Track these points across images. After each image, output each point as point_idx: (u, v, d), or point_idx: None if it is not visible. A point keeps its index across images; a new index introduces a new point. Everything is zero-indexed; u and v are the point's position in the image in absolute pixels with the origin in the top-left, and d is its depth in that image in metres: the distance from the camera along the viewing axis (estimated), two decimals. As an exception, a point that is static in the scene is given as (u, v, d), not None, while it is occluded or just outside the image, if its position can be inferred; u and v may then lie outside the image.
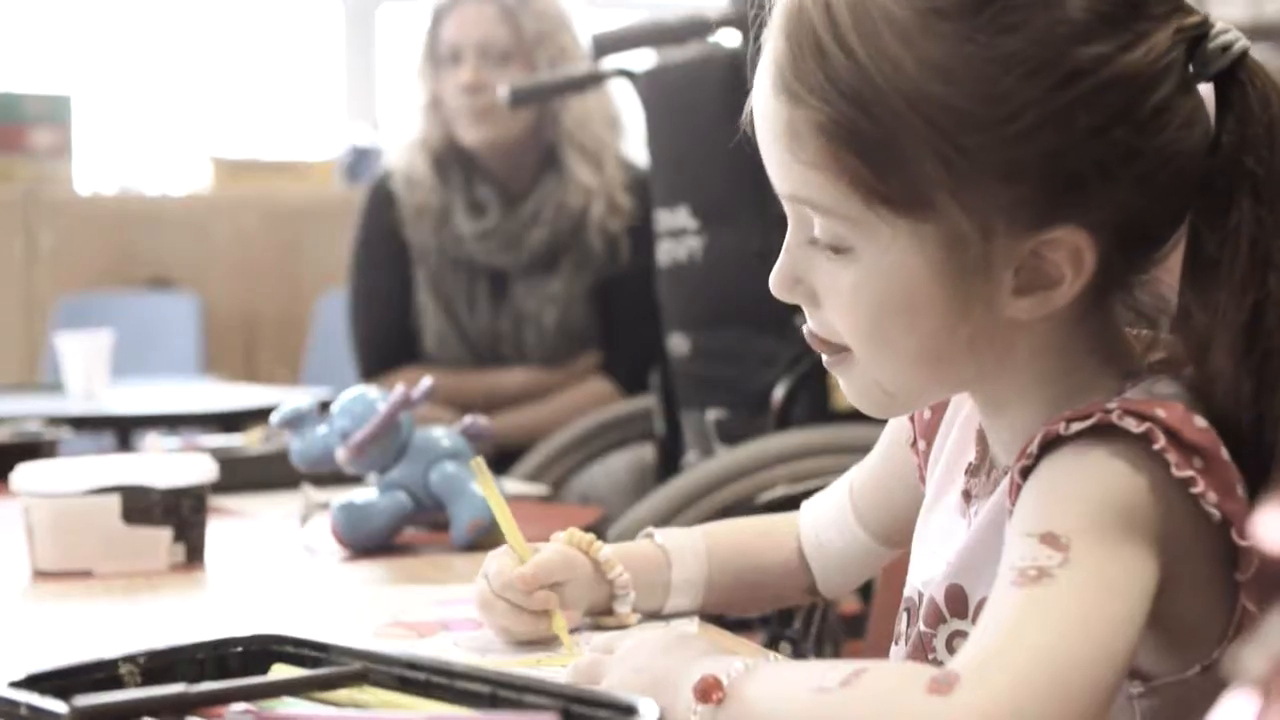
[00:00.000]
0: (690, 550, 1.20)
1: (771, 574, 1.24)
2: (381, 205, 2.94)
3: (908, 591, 1.09)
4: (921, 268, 0.92)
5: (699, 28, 2.27)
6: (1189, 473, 0.86)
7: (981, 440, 1.05)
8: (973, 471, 1.04)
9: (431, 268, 2.88)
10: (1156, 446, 0.86)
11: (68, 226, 4.52)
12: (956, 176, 0.89)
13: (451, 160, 2.90)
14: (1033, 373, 0.97)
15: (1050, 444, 0.89)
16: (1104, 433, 0.87)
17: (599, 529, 1.53)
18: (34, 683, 0.81)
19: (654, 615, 1.19)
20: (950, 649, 1.01)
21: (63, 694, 0.79)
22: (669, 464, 2.46)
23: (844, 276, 0.94)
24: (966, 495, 1.04)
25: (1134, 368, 0.97)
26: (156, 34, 5.16)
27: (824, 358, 1.00)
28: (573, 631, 1.13)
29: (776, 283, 0.98)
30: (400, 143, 2.97)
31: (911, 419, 1.15)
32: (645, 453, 2.70)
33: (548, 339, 2.87)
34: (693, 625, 1.16)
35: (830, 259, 0.94)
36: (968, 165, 0.89)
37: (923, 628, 1.03)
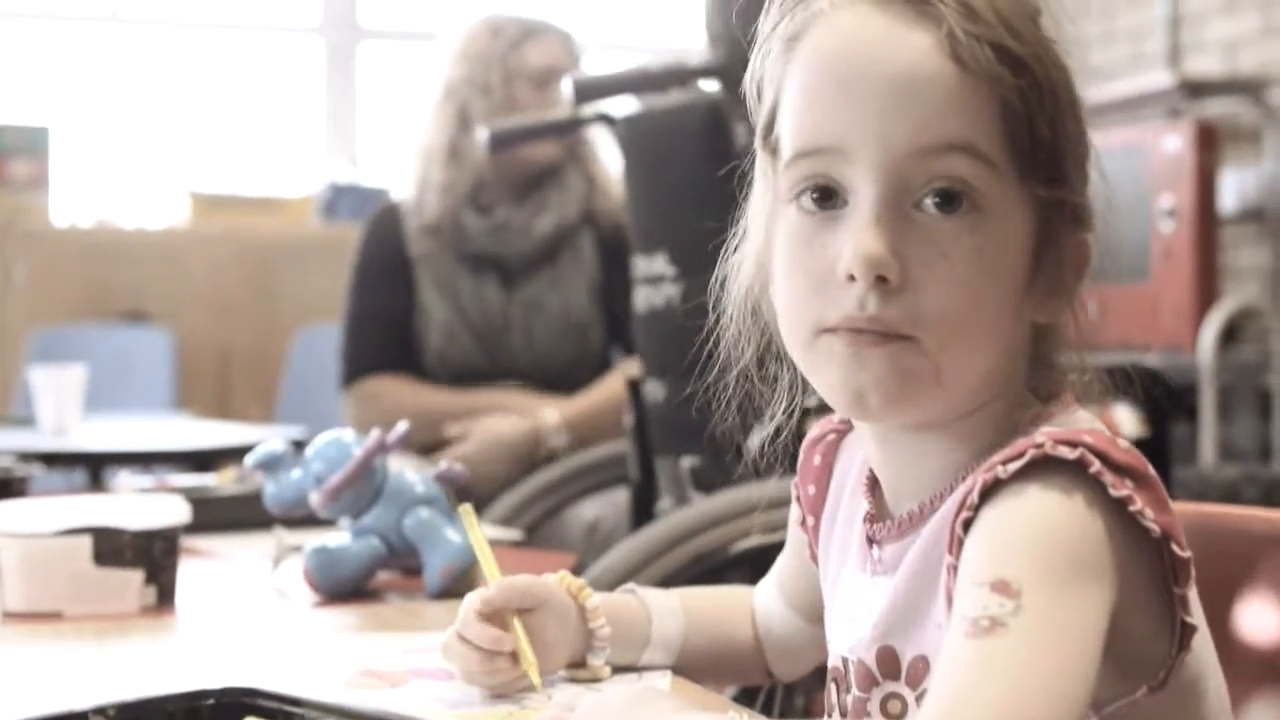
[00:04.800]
0: (669, 609, 1.20)
1: (740, 648, 1.24)
2: (385, 225, 3.03)
3: (832, 662, 1.07)
4: (1027, 240, 0.96)
5: (680, 75, 2.27)
6: (1125, 492, 0.87)
7: (873, 489, 1.05)
8: (872, 519, 1.04)
9: (435, 268, 2.95)
10: (1092, 470, 0.87)
11: (43, 258, 4.51)
12: (1077, 154, 0.97)
13: (485, 169, 2.99)
14: (997, 388, 0.98)
15: (988, 490, 0.89)
16: (1038, 466, 0.88)
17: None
18: (1, 734, 0.80)
19: (628, 668, 1.19)
20: (885, 712, 1.01)
21: (30, 746, 0.78)
22: (642, 510, 2.45)
23: (967, 238, 0.93)
24: (870, 541, 1.04)
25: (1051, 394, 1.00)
26: (136, 67, 5.16)
27: (869, 348, 0.94)
28: (544, 683, 1.13)
29: (877, 251, 0.92)
30: (419, 161, 3.02)
31: (798, 498, 1.15)
32: (622, 497, 2.70)
33: (557, 324, 2.95)
34: (665, 680, 1.16)
35: (947, 221, 0.93)
36: (1080, 147, 0.97)
37: (856, 692, 1.03)
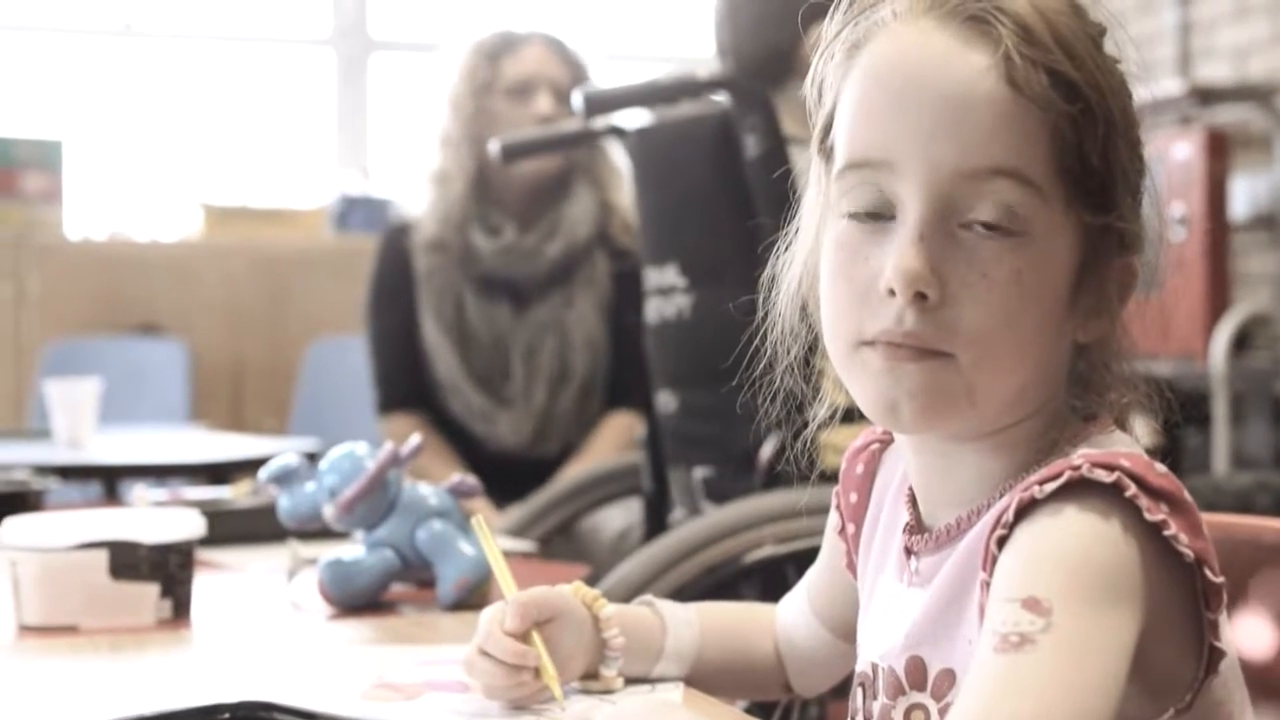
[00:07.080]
0: (684, 621, 1.21)
1: (758, 663, 1.24)
2: (395, 244, 3.08)
3: (860, 667, 1.08)
4: (1071, 264, 0.97)
5: (690, 88, 2.28)
6: (1160, 516, 0.88)
7: (913, 502, 1.06)
8: (911, 530, 1.05)
9: (436, 289, 2.96)
10: (1128, 494, 0.88)
11: (57, 271, 4.53)
12: (1129, 179, 0.98)
13: (472, 189, 3.02)
14: (1034, 405, 0.99)
15: (1024, 509, 0.90)
16: (1075, 487, 0.89)
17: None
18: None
19: (640, 679, 1.19)
20: None
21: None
22: (656, 521, 2.46)
23: (1009, 260, 0.94)
24: (908, 551, 1.05)
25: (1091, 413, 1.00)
26: (148, 80, 5.17)
27: (905, 363, 0.95)
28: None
29: (917, 268, 0.93)
30: (419, 180, 3.07)
31: (838, 505, 1.16)
32: (636, 507, 2.71)
33: (570, 349, 2.97)
34: (677, 691, 1.16)
35: (990, 242, 0.94)
36: (1133, 172, 0.98)
37: (884, 700, 1.04)
